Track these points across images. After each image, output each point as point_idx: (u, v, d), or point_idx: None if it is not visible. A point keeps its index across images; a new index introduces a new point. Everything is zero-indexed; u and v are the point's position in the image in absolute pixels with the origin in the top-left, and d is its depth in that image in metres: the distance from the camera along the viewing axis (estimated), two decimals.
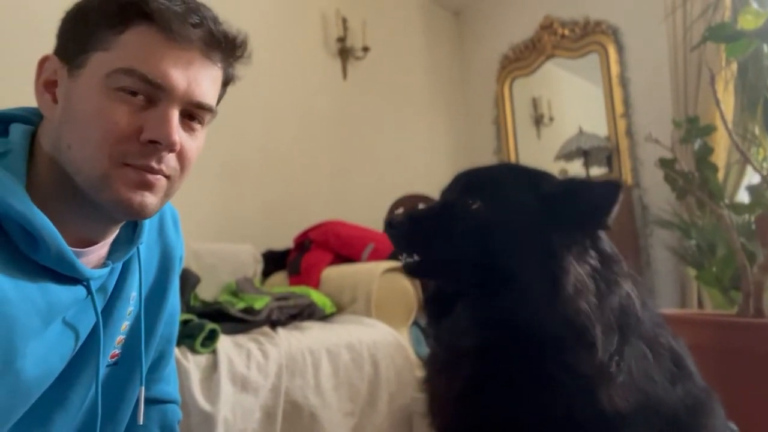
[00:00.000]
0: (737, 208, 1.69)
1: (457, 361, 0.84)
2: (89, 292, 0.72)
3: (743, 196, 2.64)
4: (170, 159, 0.70)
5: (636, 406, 0.76)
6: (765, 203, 1.59)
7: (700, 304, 2.79)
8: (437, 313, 0.91)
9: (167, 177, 0.71)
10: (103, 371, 0.78)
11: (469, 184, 0.90)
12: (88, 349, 0.75)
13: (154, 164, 0.68)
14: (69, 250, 0.66)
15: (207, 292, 2.18)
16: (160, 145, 0.67)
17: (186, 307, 1.82)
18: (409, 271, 0.89)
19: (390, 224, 0.86)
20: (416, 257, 0.86)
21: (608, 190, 0.81)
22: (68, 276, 0.68)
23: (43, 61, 0.71)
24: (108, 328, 0.77)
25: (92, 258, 0.74)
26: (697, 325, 1.46)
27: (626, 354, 0.78)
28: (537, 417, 0.76)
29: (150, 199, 0.69)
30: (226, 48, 0.73)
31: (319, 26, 3.32)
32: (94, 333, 0.75)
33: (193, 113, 0.72)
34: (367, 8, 3.53)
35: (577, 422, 0.75)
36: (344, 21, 3.35)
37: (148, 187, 0.69)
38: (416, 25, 4.00)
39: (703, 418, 0.84)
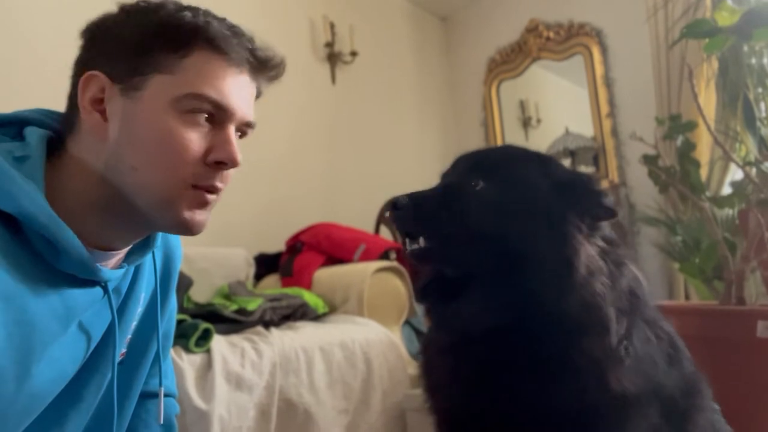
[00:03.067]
0: (719, 201, 1.73)
1: (466, 344, 0.82)
2: (106, 292, 0.72)
3: (727, 192, 2.69)
4: (226, 176, 0.74)
5: (641, 388, 0.76)
6: (746, 196, 1.63)
7: (688, 300, 2.83)
8: (441, 298, 0.87)
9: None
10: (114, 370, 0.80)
11: (473, 164, 0.88)
12: (101, 349, 0.76)
13: (218, 184, 0.72)
14: (91, 259, 0.66)
15: (200, 295, 2.19)
16: (225, 165, 0.72)
17: (179, 308, 1.83)
18: (416, 257, 0.86)
19: (395, 206, 0.83)
20: (422, 242, 0.83)
21: (607, 211, 0.82)
22: (86, 278, 0.69)
23: (89, 79, 0.69)
24: (121, 327, 0.79)
25: (111, 261, 0.76)
26: (682, 315, 1.50)
27: (634, 337, 0.77)
28: (550, 400, 0.75)
29: (206, 216, 0.73)
30: (268, 70, 0.77)
31: (307, 32, 3.35)
32: (107, 333, 0.76)
33: (240, 131, 0.77)
34: (354, 13, 3.56)
35: (588, 406, 0.74)
36: (332, 26, 3.38)
37: (206, 205, 0.73)
38: (403, 30, 4.04)
39: (697, 399, 0.85)
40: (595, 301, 0.74)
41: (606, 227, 0.84)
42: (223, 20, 0.73)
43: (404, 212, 0.82)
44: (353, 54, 3.41)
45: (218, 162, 0.71)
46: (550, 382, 0.75)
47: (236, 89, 0.72)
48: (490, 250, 0.79)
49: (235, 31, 0.73)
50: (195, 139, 0.69)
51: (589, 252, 0.77)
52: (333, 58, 3.40)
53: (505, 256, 0.78)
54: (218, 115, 0.71)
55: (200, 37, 0.69)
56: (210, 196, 0.72)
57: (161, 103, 0.68)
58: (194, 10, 0.71)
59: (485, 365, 0.80)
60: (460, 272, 0.85)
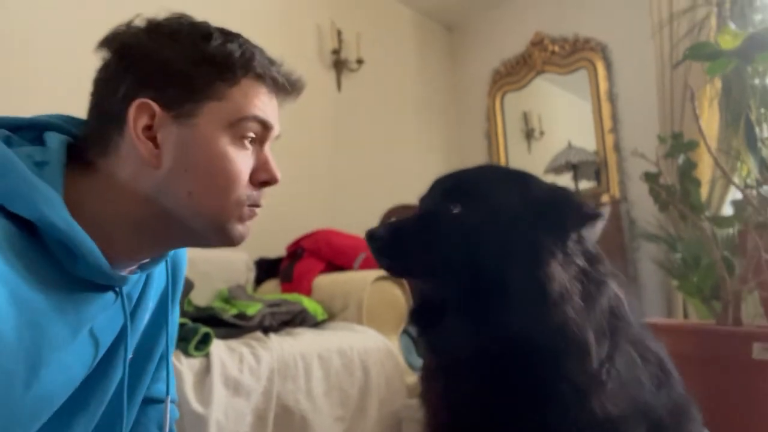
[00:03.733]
0: (719, 221, 1.74)
1: (454, 367, 0.82)
2: (119, 295, 0.73)
3: (728, 211, 2.70)
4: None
5: (626, 411, 0.75)
6: (746, 217, 1.64)
7: (686, 317, 2.84)
8: (427, 324, 0.87)
9: None
10: (120, 375, 0.81)
11: (449, 188, 0.86)
12: (110, 354, 0.77)
13: (262, 201, 0.78)
14: (108, 266, 0.67)
15: (200, 298, 2.20)
16: (268, 184, 0.78)
17: (180, 312, 1.84)
18: (390, 270, 0.88)
19: (371, 237, 0.82)
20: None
21: (591, 215, 0.79)
22: (102, 283, 0.70)
23: (140, 107, 0.69)
24: (131, 333, 0.79)
25: (127, 269, 0.77)
26: (678, 334, 1.51)
27: (617, 360, 0.77)
28: (533, 425, 0.75)
29: (249, 227, 0.78)
30: (294, 93, 0.82)
31: (314, 38, 3.38)
32: (118, 337, 0.77)
33: None
34: (361, 21, 3.59)
35: (571, 429, 0.74)
36: (339, 33, 3.41)
37: (252, 219, 0.78)
38: (410, 38, 4.06)
39: (687, 423, 0.84)
40: (569, 326, 0.73)
41: (590, 242, 0.82)
42: (260, 49, 0.77)
43: (381, 244, 0.82)
44: (359, 61, 3.43)
45: (263, 182, 0.77)
46: (535, 406, 0.75)
47: (272, 110, 0.78)
48: (465, 278, 0.78)
49: (271, 60, 0.78)
50: (247, 162, 0.74)
51: (561, 276, 0.75)
52: (339, 65, 3.43)
53: (480, 284, 0.77)
54: (261, 136, 0.76)
55: (248, 70, 0.74)
56: (256, 211, 0.78)
57: (216, 129, 0.71)
58: (238, 40, 0.75)
59: (473, 388, 0.79)
60: (437, 295, 0.85)
